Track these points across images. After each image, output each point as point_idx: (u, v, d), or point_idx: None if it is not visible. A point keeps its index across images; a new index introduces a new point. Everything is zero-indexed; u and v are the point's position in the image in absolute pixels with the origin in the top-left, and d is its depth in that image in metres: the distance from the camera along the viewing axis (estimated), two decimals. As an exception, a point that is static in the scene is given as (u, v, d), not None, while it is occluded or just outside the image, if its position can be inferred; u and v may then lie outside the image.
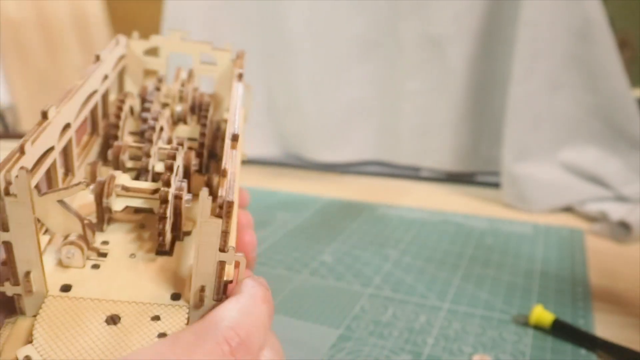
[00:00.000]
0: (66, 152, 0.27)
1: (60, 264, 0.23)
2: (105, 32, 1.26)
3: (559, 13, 0.60)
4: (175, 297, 0.22)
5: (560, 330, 0.38)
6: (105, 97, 0.33)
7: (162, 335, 0.20)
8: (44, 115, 0.23)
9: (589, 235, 0.56)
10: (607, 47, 0.61)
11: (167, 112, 0.33)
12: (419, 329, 0.39)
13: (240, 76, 0.32)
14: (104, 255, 0.24)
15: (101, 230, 0.26)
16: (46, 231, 0.24)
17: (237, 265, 0.22)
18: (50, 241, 0.24)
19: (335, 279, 0.47)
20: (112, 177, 0.25)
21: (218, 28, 0.75)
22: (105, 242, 0.25)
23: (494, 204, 0.65)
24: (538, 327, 0.39)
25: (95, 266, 0.23)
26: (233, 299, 0.21)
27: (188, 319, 0.21)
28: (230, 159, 0.23)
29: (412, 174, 0.76)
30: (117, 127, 0.31)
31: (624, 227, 0.55)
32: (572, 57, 0.62)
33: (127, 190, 0.25)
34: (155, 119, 0.29)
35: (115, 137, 0.31)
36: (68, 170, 0.28)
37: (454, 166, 0.73)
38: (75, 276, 0.23)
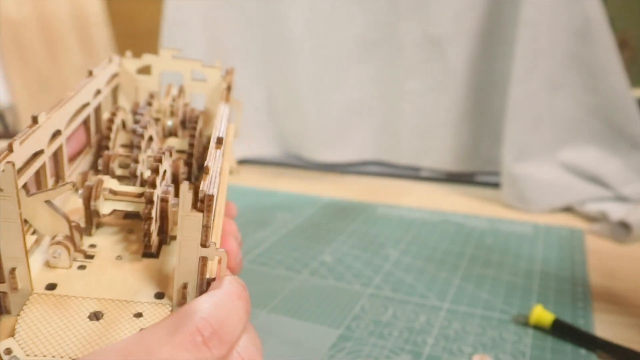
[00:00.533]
0: (57, 158, 0.28)
1: (48, 264, 0.23)
2: (105, 32, 1.26)
3: (559, 13, 0.60)
4: (159, 295, 0.22)
5: (560, 330, 0.38)
6: (98, 111, 0.33)
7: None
8: (34, 120, 0.24)
9: (589, 235, 0.56)
10: (607, 47, 0.61)
11: (157, 124, 0.34)
12: (419, 329, 0.39)
13: (228, 89, 0.33)
14: (91, 257, 0.24)
15: (89, 234, 0.26)
16: (34, 232, 0.25)
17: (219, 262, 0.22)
18: (36, 242, 0.25)
19: (335, 279, 0.47)
20: (100, 181, 0.26)
21: (218, 28, 0.75)
22: (92, 245, 0.25)
23: (494, 204, 0.65)
24: (538, 327, 0.39)
25: (82, 267, 0.24)
26: (208, 293, 0.21)
27: None
28: (214, 159, 0.23)
29: (412, 174, 0.76)
30: (108, 138, 0.32)
31: (624, 227, 0.55)
32: (572, 57, 0.62)
33: (115, 194, 0.26)
34: (144, 127, 0.30)
35: (107, 149, 0.32)
36: (59, 177, 0.28)
37: (454, 166, 0.73)
38: (61, 276, 0.23)
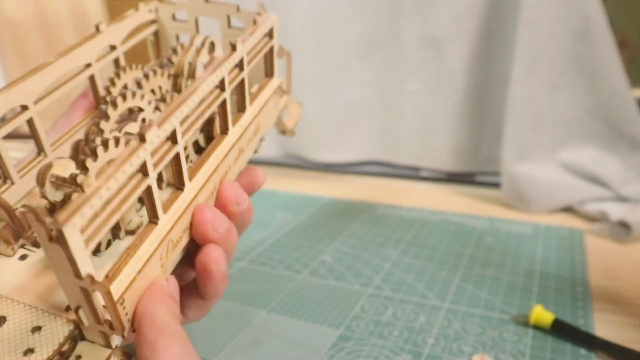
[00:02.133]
0: (34, 134, 0.26)
1: None
2: (105, 32, 1.26)
3: (559, 13, 0.60)
4: (70, 308, 0.21)
5: (560, 330, 0.38)
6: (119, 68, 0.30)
7: (28, 351, 0.19)
8: None
9: (589, 235, 0.56)
10: (607, 47, 0.61)
11: (176, 86, 0.30)
12: (419, 329, 0.39)
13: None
14: (39, 246, 0.23)
15: None
16: None
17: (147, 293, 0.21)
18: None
19: (335, 279, 0.47)
20: (49, 166, 0.22)
21: (218, 28, 0.75)
22: None
23: (494, 204, 0.65)
24: (538, 327, 0.39)
25: (23, 257, 0.23)
26: None
27: (69, 336, 0.20)
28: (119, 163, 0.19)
29: (412, 174, 0.76)
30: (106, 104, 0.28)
31: (624, 227, 0.55)
32: (572, 57, 0.62)
33: (63, 181, 0.23)
34: (113, 103, 0.26)
35: (106, 115, 0.28)
36: (40, 150, 0.27)
37: (454, 166, 0.73)
38: None
